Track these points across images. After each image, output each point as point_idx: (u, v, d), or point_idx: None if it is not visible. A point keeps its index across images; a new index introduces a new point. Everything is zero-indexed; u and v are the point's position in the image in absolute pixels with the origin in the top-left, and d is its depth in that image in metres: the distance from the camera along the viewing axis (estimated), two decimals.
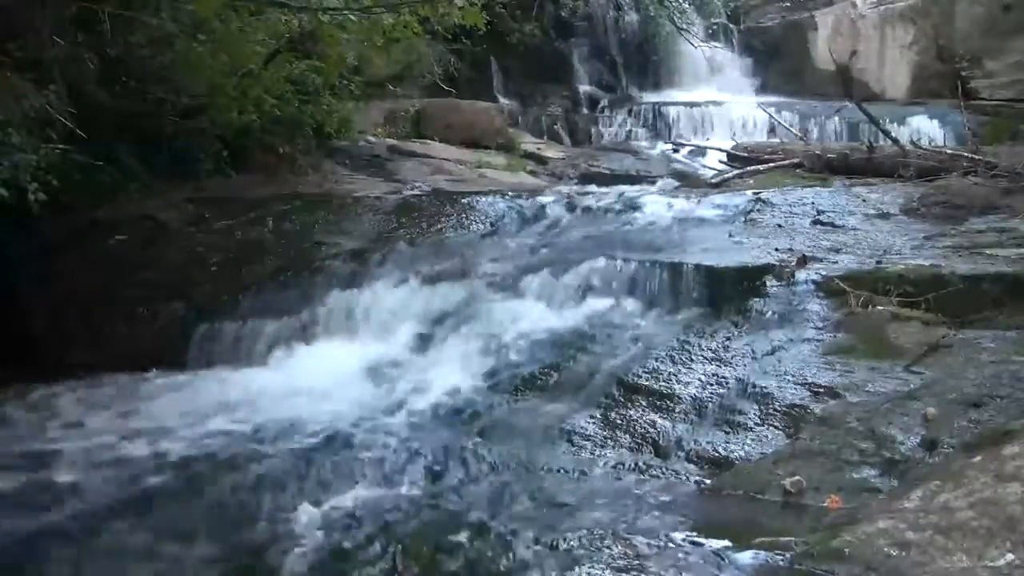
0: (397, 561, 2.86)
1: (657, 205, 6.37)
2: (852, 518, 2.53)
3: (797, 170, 8.07)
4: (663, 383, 3.95)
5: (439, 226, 6.15)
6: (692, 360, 4.09)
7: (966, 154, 7.04)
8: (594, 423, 3.80)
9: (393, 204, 6.53)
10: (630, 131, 11.37)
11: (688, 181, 8.22)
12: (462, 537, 2.97)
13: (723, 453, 3.47)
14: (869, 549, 2.26)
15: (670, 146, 10.52)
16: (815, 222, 5.72)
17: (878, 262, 4.71)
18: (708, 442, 3.54)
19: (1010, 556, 2.10)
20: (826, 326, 4.17)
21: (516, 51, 11.57)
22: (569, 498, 3.25)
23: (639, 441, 3.66)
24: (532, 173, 9.06)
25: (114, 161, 6.18)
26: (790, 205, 6.09)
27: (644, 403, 3.85)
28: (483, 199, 6.56)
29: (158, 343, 5.25)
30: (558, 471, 3.52)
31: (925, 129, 9.58)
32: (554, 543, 2.84)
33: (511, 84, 11.89)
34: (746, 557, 2.58)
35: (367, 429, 4.00)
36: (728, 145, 9.78)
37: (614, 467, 3.52)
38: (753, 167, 8.25)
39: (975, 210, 5.74)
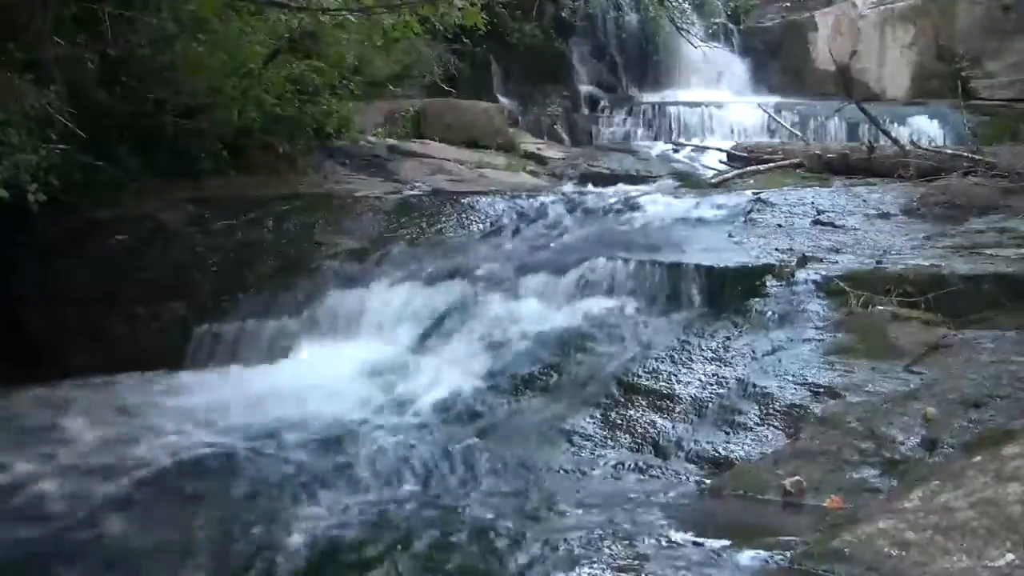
0: (397, 561, 2.86)
1: (657, 205, 6.37)
2: (852, 518, 2.53)
3: (797, 170, 8.07)
4: (663, 383, 3.96)
5: (439, 226, 6.15)
6: (692, 360, 4.09)
7: (966, 154, 7.03)
8: (594, 423, 3.80)
9: (393, 204, 6.52)
10: (630, 131, 11.37)
11: (688, 181, 8.21)
12: (462, 537, 2.97)
13: (723, 453, 3.47)
14: (869, 549, 2.26)
15: (670, 146, 10.52)
16: (815, 222, 5.72)
17: (878, 262, 4.71)
18: (708, 442, 3.54)
19: (1010, 556, 2.10)
20: (826, 326, 4.17)
21: (516, 51, 11.56)
22: (569, 498, 3.25)
23: (639, 441, 3.66)
24: (532, 173, 9.05)
25: (114, 161, 6.17)
26: (790, 205, 6.08)
27: (644, 403, 3.86)
28: (483, 199, 6.56)
29: (158, 343, 5.26)
30: (558, 471, 3.52)
31: (925, 129, 9.57)
32: (554, 543, 2.84)
33: (511, 84, 11.88)
34: (746, 557, 2.58)
35: (367, 429, 4.00)
36: (728, 145, 9.78)
37: (614, 467, 3.52)
38: (753, 167, 8.24)
39: (975, 210, 5.74)
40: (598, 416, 3.83)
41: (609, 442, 3.69)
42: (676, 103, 11.66)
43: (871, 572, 2.18)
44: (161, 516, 3.37)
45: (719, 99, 11.78)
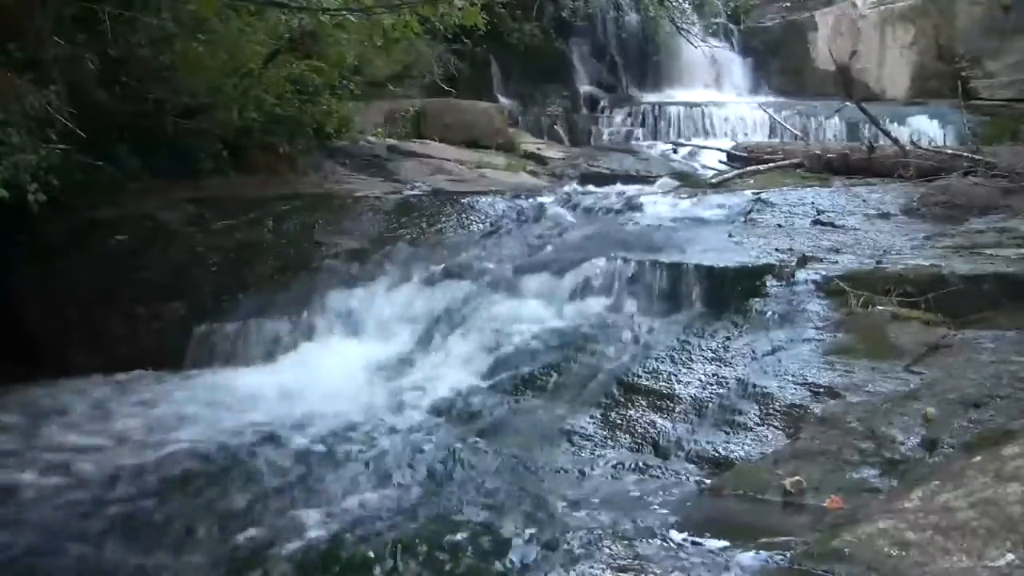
0: (397, 561, 2.86)
1: (657, 205, 6.37)
2: (852, 518, 2.53)
3: (797, 170, 8.06)
4: (663, 383, 3.95)
5: (439, 226, 6.15)
6: (692, 360, 4.09)
7: (966, 154, 7.03)
8: (594, 423, 3.80)
9: (393, 204, 6.53)
10: (630, 131, 11.37)
11: (688, 181, 8.20)
12: (462, 537, 2.97)
13: (723, 453, 3.47)
14: (869, 549, 2.26)
15: (670, 146, 10.52)
16: (815, 222, 5.72)
17: (878, 262, 4.71)
18: (708, 442, 3.54)
19: (1010, 556, 2.10)
20: (826, 326, 4.17)
21: (516, 51, 11.57)
22: (569, 498, 3.25)
23: (639, 441, 3.66)
24: (532, 173, 9.05)
25: (114, 161, 6.18)
26: (790, 205, 6.08)
27: (644, 403, 3.85)
28: (483, 199, 6.56)
29: (158, 343, 5.26)
30: (558, 471, 3.52)
31: (925, 129, 9.57)
32: (554, 543, 2.84)
33: (511, 84, 11.89)
34: (746, 557, 2.58)
35: (367, 429, 4.00)
36: (728, 145, 9.78)
37: (614, 467, 3.52)
38: (753, 167, 8.24)
39: (975, 210, 5.74)
40: (598, 416, 3.83)
41: (609, 442, 3.68)
42: (676, 103, 11.66)
43: (871, 572, 2.18)
44: (160, 516, 3.36)
45: (719, 99, 11.79)
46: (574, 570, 2.66)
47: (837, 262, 4.80)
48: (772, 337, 4.14)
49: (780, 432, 3.49)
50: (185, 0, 6.18)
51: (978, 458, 2.68)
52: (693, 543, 2.75)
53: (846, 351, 3.92)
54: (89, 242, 5.88)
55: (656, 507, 3.13)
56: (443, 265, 5.45)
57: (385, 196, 6.75)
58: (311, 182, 7.31)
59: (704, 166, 9.49)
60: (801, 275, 4.58)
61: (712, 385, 3.88)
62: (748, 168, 8.25)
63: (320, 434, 3.95)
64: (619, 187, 7.44)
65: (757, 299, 4.48)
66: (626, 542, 2.78)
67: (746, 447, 3.46)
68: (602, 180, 8.44)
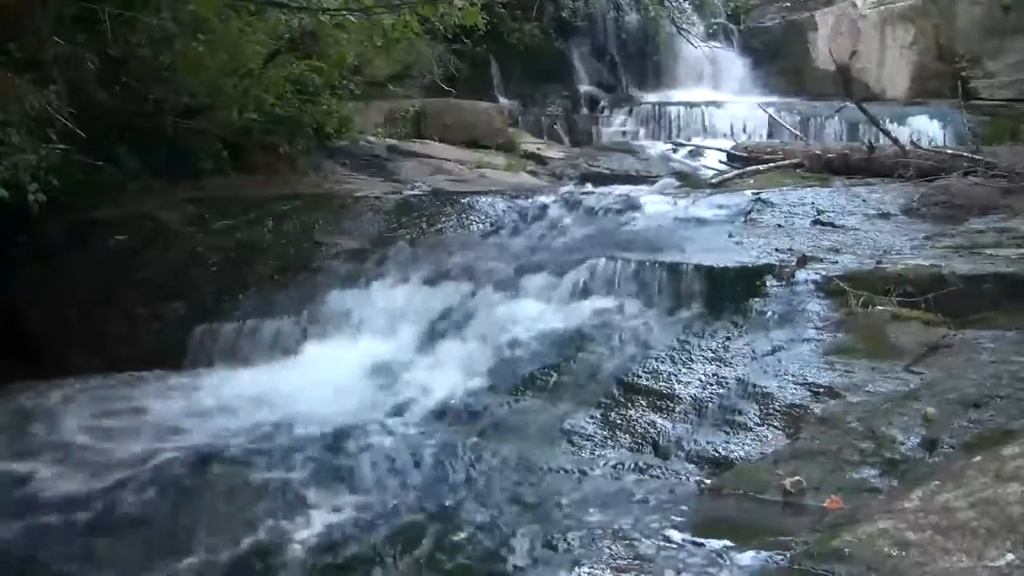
0: (397, 561, 2.86)
1: (657, 205, 6.36)
2: (852, 518, 2.54)
3: (797, 170, 8.06)
4: (663, 383, 3.96)
5: (439, 226, 6.15)
6: (692, 360, 4.09)
7: (966, 154, 7.02)
8: (594, 423, 3.80)
9: (393, 204, 6.52)
10: (630, 131, 11.37)
11: (688, 181, 8.21)
12: (462, 537, 2.98)
13: (723, 453, 3.47)
14: (869, 549, 2.26)
15: (670, 146, 10.51)
16: (815, 222, 5.72)
17: (878, 262, 4.71)
18: (708, 442, 3.54)
19: (1010, 556, 2.10)
20: (826, 326, 4.17)
21: (516, 51, 11.57)
22: (569, 498, 3.25)
23: (639, 441, 3.66)
24: (532, 173, 9.05)
25: (114, 161, 6.18)
26: (790, 205, 6.08)
27: (644, 403, 3.86)
28: (483, 199, 6.56)
29: (158, 343, 5.26)
30: (558, 471, 3.52)
31: (925, 129, 9.57)
32: (554, 543, 2.85)
33: (511, 84, 11.89)
34: (746, 557, 2.58)
35: (367, 429, 3.99)
36: (728, 145, 9.77)
37: (614, 467, 3.53)
38: (753, 167, 8.23)
39: (975, 210, 5.74)
40: (598, 416, 3.83)
41: (609, 442, 3.69)
42: (676, 103, 11.65)
43: (871, 572, 2.19)
44: (160, 515, 3.36)
45: (719, 99, 11.78)
46: (574, 570, 2.66)
47: (837, 262, 4.80)
48: (772, 337, 4.15)
49: (780, 432, 3.49)
50: (185, 0, 6.18)
51: (978, 458, 2.68)
52: (693, 543, 2.76)
53: (846, 351, 3.92)
54: (89, 242, 5.88)
55: (656, 507, 3.13)
56: (443, 265, 5.45)
57: (385, 196, 6.75)
58: (311, 182, 7.31)
59: (704, 166, 9.48)
60: (801, 275, 4.57)
61: (712, 385, 3.88)
62: (748, 168, 8.25)
63: (320, 434, 3.94)
64: (619, 187, 7.42)
65: (757, 299, 4.48)
66: (626, 542, 2.78)
67: (746, 447, 3.47)
68: (602, 180, 8.44)
